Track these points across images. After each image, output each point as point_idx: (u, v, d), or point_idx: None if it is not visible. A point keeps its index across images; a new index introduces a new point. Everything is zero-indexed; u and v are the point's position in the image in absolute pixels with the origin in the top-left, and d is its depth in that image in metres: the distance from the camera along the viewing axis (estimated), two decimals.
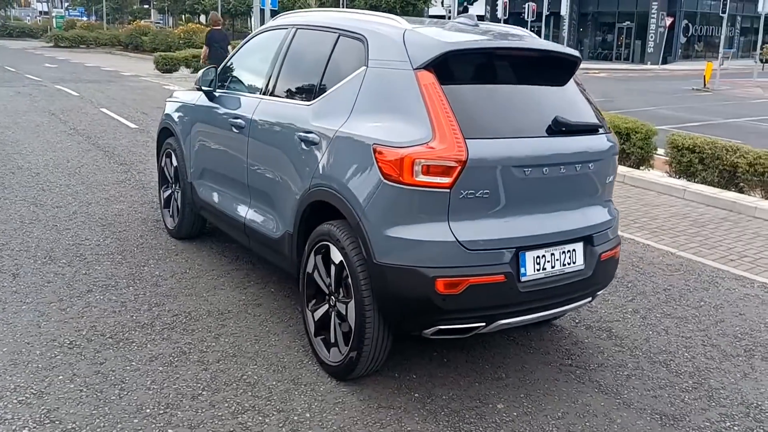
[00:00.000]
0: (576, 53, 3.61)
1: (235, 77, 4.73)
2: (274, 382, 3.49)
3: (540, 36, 17.44)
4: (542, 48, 3.50)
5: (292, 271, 4.02)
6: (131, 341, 3.81)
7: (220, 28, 13.22)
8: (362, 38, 3.53)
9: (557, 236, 3.30)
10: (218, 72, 4.72)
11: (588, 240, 3.45)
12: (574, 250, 3.38)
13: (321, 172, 3.48)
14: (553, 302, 3.36)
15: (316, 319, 3.65)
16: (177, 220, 5.42)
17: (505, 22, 40.77)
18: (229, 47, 13.18)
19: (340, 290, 3.45)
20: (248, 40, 4.73)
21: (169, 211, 5.61)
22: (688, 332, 4.40)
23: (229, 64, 4.81)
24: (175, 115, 5.28)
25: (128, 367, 3.53)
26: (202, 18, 51.25)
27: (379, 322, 3.26)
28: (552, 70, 3.55)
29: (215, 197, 4.73)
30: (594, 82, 27.47)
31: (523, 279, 3.17)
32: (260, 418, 3.15)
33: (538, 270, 3.23)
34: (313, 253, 3.60)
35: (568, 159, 3.28)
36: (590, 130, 3.44)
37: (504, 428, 3.21)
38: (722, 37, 28.01)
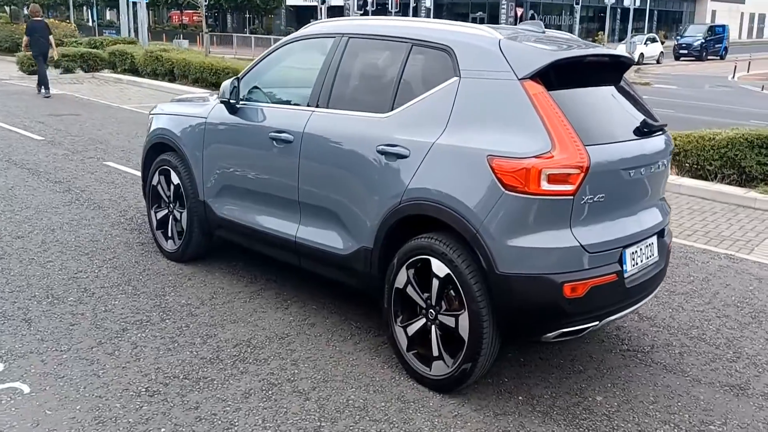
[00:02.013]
0: (630, 56, 3.83)
1: (265, 89, 4.48)
2: (383, 403, 3.43)
3: None
4: (614, 54, 3.68)
5: (363, 288, 3.95)
6: (210, 379, 3.55)
7: (39, 18, 14.54)
8: (446, 48, 3.52)
9: (645, 232, 3.54)
10: (239, 83, 4.44)
11: (660, 234, 3.73)
12: (652, 243, 3.64)
13: (415, 185, 3.45)
14: (644, 294, 3.60)
15: (409, 335, 3.62)
16: (180, 242, 5.06)
17: (374, 13, 41.47)
18: (51, 37, 14.37)
19: (442, 303, 3.46)
20: (274, 51, 4.48)
21: (165, 233, 5.21)
22: (699, 306, 4.87)
23: (252, 74, 4.54)
24: (177, 129, 4.90)
25: (227, 408, 3.31)
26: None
27: (493, 332, 3.32)
28: (615, 73, 3.75)
29: (246, 216, 4.48)
30: None
31: (626, 275, 3.37)
32: None
33: (634, 265, 3.44)
34: (405, 267, 3.56)
35: (653, 159, 3.52)
36: (661, 129, 3.69)
37: (615, 419, 3.41)
38: (576, 26, 30.40)
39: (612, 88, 3.66)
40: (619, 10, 43.79)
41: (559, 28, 49.94)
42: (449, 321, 3.42)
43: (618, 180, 3.29)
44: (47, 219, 6.04)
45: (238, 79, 4.45)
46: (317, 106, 4.04)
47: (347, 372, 3.71)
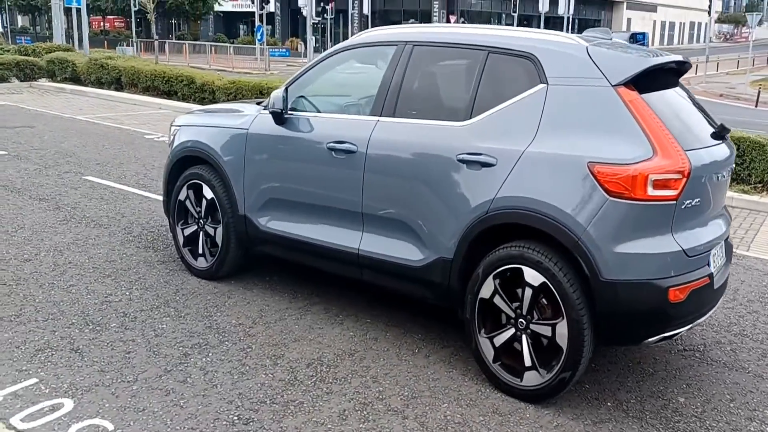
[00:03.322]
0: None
1: (315, 98, 4.34)
2: (480, 417, 3.38)
3: (328, 33, 17.76)
4: (684, 60, 3.77)
5: (438, 300, 3.89)
6: (299, 402, 3.40)
7: None
8: (529, 55, 3.51)
9: (723, 235, 3.64)
10: (287, 93, 4.28)
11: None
12: (721, 245, 3.75)
13: (505, 194, 3.42)
14: (720, 297, 3.70)
15: (496, 346, 3.58)
16: (214, 258, 4.82)
17: (293, 20, 41.18)
18: None
19: (534, 312, 3.44)
20: (324, 59, 4.34)
21: (194, 250, 4.96)
22: (728, 303, 5.06)
23: (299, 83, 4.38)
24: (212, 142, 4.67)
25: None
26: None
27: (591, 339, 3.33)
28: (676, 77, 3.83)
29: (297, 229, 4.31)
30: None
31: (714, 278, 3.46)
32: None
33: (715, 267, 3.54)
34: (491, 277, 3.52)
35: (729, 162, 3.63)
36: (727, 133, 3.80)
37: (705, 419, 3.50)
38: None
39: (678, 92, 3.75)
40: (543, 18, 45.41)
41: None
42: (544, 330, 3.40)
43: (706, 184, 3.37)
44: (49, 239, 5.64)
45: (286, 89, 4.29)
46: (381, 115, 3.95)
47: (431, 386, 3.63)
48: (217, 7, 51.96)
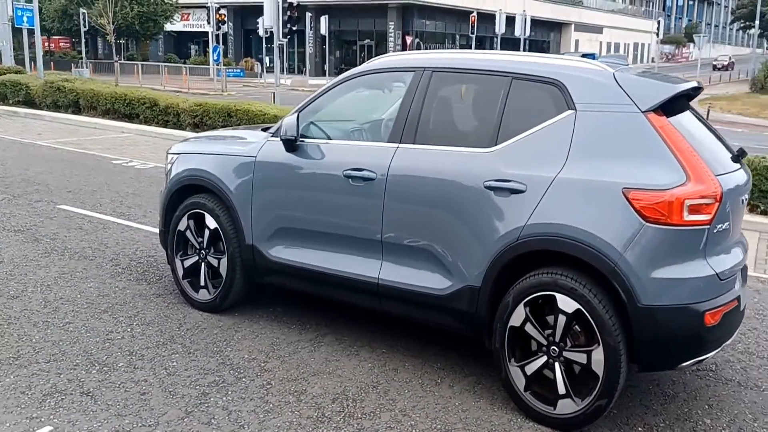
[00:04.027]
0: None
1: (327, 125, 4.25)
2: None
3: (283, 53, 17.80)
4: (699, 85, 3.83)
5: (465, 329, 3.82)
6: None
7: None
8: (556, 82, 3.52)
9: (745, 258, 3.70)
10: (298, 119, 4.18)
11: None
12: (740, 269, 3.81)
13: (537, 221, 3.40)
14: (743, 316, 3.75)
15: (528, 374, 3.54)
16: (218, 290, 4.65)
17: (246, 40, 41.02)
18: None
19: (567, 339, 3.41)
20: (336, 85, 4.26)
21: (195, 282, 4.78)
22: None
23: (310, 110, 4.29)
24: (216, 170, 4.51)
25: None
26: None
27: (627, 366, 3.32)
28: (689, 101, 3.89)
29: (310, 258, 4.20)
30: None
31: (741, 301, 3.51)
32: None
33: (740, 289, 3.58)
34: (522, 305, 3.49)
35: (749, 187, 3.70)
36: (744, 156, 3.87)
37: None
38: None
39: (692, 116, 3.80)
40: (496, 39, 46.33)
41: None
42: (579, 357, 3.38)
43: (733, 208, 3.43)
44: (33, 274, 5.35)
45: (298, 116, 4.19)
46: (401, 142, 3.89)
47: (462, 418, 3.56)
48: (168, 27, 51.26)
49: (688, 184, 3.17)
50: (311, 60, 48.52)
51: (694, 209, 3.17)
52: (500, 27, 31.23)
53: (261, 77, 41.82)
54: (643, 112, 3.32)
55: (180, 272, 4.84)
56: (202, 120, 14.03)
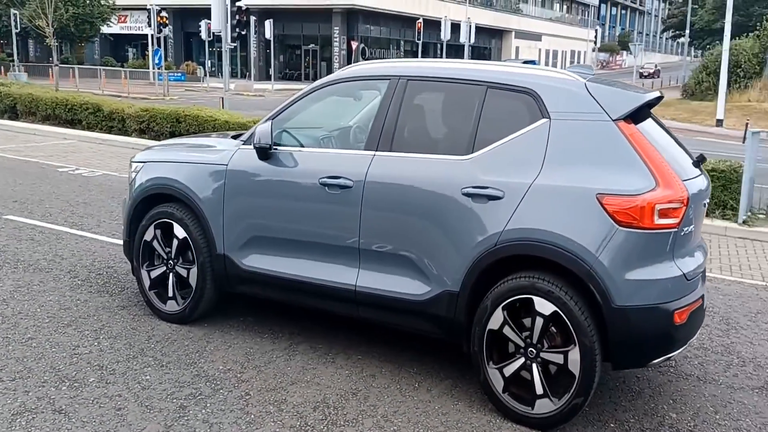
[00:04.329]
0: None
1: (299, 132, 4.24)
2: None
3: (227, 57, 18.00)
4: (662, 95, 4.00)
5: (443, 334, 3.88)
6: None
7: None
8: (530, 91, 3.62)
9: (705, 259, 3.88)
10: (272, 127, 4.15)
11: None
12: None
13: (515, 226, 3.49)
14: (704, 315, 3.94)
15: (506, 376, 3.62)
16: (186, 301, 4.56)
17: (186, 43, 40.30)
18: None
19: (544, 341, 3.51)
20: (310, 93, 4.26)
21: (162, 293, 4.68)
22: None
23: (282, 117, 4.26)
24: (185, 179, 4.43)
25: None
26: None
27: (601, 364, 3.45)
28: (650, 109, 4.06)
29: (285, 267, 4.18)
30: None
31: (704, 299, 3.69)
32: None
33: (702, 289, 3.77)
34: (501, 309, 3.57)
35: (709, 192, 3.90)
36: (703, 162, 4.05)
37: None
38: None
39: (655, 123, 3.97)
40: (439, 45, 46.95)
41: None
42: (556, 358, 3.49)
43: (696, 212, 3.60)
44: None
45: (272, 123, 4.17)
46: (377, 150, 3.93)
47: (443, 421, 3.62)
48: (104, 29, 49.76)
49: (658, 189, 3.32)
50: (255, 64, 48.01)
51: (664, 213, 3.32)
52: (446, 34, 31.71)
53: (203, 81, 41.11)
54: (613, 120, 3.46)
55: (146, 283, 4.73)
56: (149, 126, 13.72)
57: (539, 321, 3.50)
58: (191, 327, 4.61)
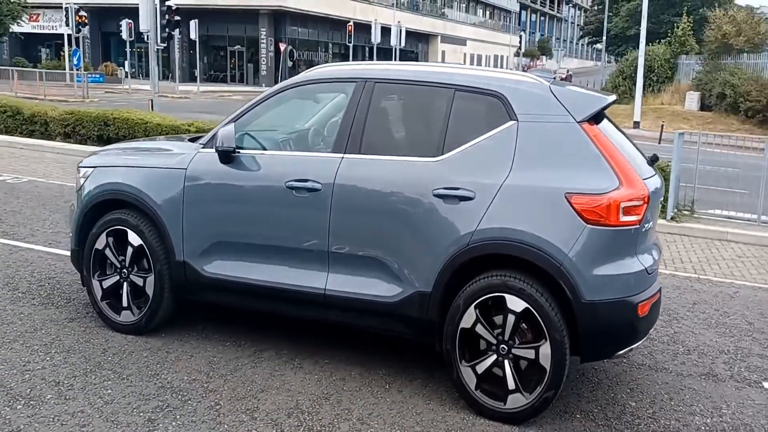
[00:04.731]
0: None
1: (261, 135, 4.15)
2: None
3: (156, 59, 17.69)
4: (616, 98, 4.17)
5: (415, 334, 3.91)
6: None
7: None
8: (497, 94, 3.70)
9: (660, 254, 4.07)
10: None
11: None
12: None
13: (486, 226, 3.55)
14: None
15: (479, 373, 3.68)
16: (144, 311, 4.39)
17: (104, 43, 38.95)
18: None
19: (515, 337, 3.60)
20: (274, 95, 4.17)
21: (115, 303, 4.48)
22: None
23: (244, 120, 4.17)
24: (139, 184, 4.26)
25: None
26: None
27: (569, 358, 3.56)
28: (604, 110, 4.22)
29: (249, 273, 4.09)
30: (232, 105, 28.22)
31: (661, 292, 3.87)
32: None
33: (658, 283, 3.95)
34: (473, 307, 3.62)
35: (663, 190, 4.09)
36: (656, 161, 4.24)
37: (659, 419, 3.89)
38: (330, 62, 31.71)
39: (612, 125, 4.13)
40: (367, 48, 47.11)
41: (312, 63, 52.16)
42: (527, 353, 3.58)
43: (653, 210, 3.78)
44: None
45: (234, 124, 4.07)
46: (345, 152, 3.91)
47: (419, 421, 3.64)
48: (15, 28, 47.14)
49: (621, 188, 3.47)
50: (179, 66, 46.65)
51: (627, 211, 3.47)
52: (376, 37, 31.92)
53: (124, 83, 39.61)
54: (578, 122, 3.59)
55: (98, 294, 4.52)
56: (74, 129, 13.10)
57: (511, 318, 3.58)
58: (148, 338, 4.43)
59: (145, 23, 14.29)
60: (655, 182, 3.86)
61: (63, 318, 4.69)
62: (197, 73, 40.91)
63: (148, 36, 14.74)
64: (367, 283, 3.87)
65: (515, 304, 3.54)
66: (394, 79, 4.01)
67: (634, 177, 3.53)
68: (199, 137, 4.59)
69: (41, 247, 6.29)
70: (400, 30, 32.71)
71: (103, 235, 4.43)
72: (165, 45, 15.09)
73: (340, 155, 3.92)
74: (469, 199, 3.61)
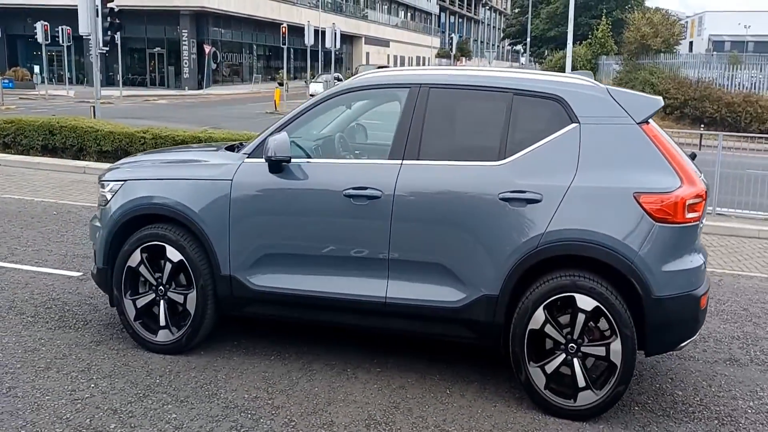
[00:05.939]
0: None
1: (310, 143, 4.04)
2: None
3: (63, 62, 16.52)
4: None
5: (479, 338, 3.92)
6: None
7: None
8: (558, 98, 3.77)
9: None
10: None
11: None
12: None
13: (556, 227, 3.62)
14: None
15: (548, 373, 3.74)
16: (184, 329, 4.19)
17: (11, 46, 36.76)
18: None
19: (584, 336, 3.68)
20: (323, 101, 4.06)
21: (150, 323, 4.26)
22: None
23: (295, 127, 4.04)
24: (180, 197, 4.06)
25: None
26: None
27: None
28: None
29: (305, 284, 3.99)
30: (164, 110, 27.38)
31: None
32: None
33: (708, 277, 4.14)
34: (542, 308, 3.68)
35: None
36: None
37: (709, 405, 4.07)
38: (255, 64, 30.85)
39: (658, 126, 4.28)
40: (292, 50, 46.63)
41: (240, 65, 51.16)
42: (598, 351, 3.67)
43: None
44: None
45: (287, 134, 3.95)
46: (404, 158, 3.88)
47: (494, 424, 3.67)
48: None
49: (684, 186, 3.62)
50: (95, 69, 44.53)
51: (691, 208, 3.63)
52: (309, 39, 31.68)
53: (38, 88, 37.48)
54: (637, 123, 3.72)
55: (131, 314, 4.27)
56: (15, 139, 12.33)
57: (581, 317, 3.66)
58: (188, 357, 4.24)
59: (85, 26, 13.57)
60: (703, 180, 4.06)
61: (88, 341, 4.41)
62: (117, 77, 39.24)
63: (88, 39, 13.97)
64: (429, 289, 3.86)
65: (585, 303, 3.63)
66: (450, 84, 4.02)
67: (693, 175, 3.69)
68: (233, 146, 4.43)
69: (29, 267, 5.89)
70: (335, 32, 32.56)
71: (137, 251, 4.20)
72: (107, 48, 14.38)
73: (399, 162, 3.89)
74: (537, 201, 3.67)
